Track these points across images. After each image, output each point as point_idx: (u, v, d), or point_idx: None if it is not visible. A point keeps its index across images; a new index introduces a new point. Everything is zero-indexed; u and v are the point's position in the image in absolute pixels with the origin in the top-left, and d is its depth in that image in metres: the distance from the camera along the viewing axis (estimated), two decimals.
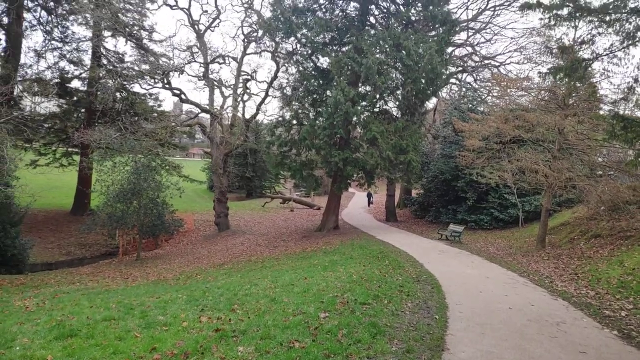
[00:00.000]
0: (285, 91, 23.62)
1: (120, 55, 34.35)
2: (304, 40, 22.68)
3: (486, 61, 33.44)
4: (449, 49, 32.75)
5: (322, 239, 22.64)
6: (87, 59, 33.68)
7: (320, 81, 23.79)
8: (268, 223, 32.89)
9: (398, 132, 22.50)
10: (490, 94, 30.20)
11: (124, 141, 21.68)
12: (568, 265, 12.49)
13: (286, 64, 25.28)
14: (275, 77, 26.43)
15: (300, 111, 23.79)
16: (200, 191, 53.37)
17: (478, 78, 34.65)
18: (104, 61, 33.72)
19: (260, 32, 25.55)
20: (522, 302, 8.42)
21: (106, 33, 31.19)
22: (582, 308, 8.07)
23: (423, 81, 21.77)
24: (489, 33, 32.96)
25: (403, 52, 21.21)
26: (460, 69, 36.03)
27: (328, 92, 22.80)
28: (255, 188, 54.12)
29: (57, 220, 33.32)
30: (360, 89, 23.42)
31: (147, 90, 30.77)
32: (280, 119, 24.65)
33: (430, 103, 44.29)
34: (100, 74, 31.95)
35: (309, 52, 23.42)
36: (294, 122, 24.25)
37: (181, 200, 43.83)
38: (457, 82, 38.10)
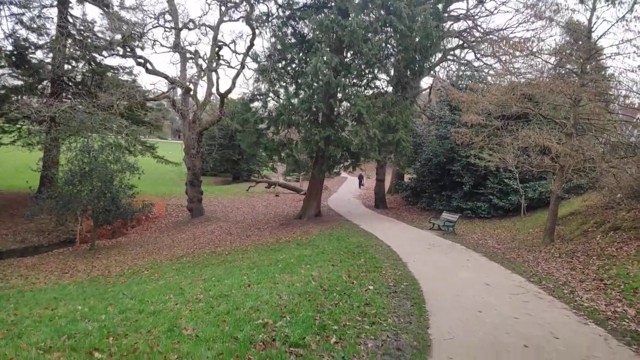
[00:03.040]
0: (259, 60, 20.78)
1: (89, 24, 31.29)
2: (280, 0, 19.82)
3: (488, 36, 30.44)
4: (447, 24, 30.04)
5: (301, 228, 20.13)
6: (52, 27, 30.70)
7: (300, 49, 20.99)
8: (247, 209, 30.34)
9: (387, 107, 19.85)
10: (493, 69, 27.41)
11: (72, 114, 18.85)
12: (587, 265, 9.98)
13: (262, 30, 22.47)
14: (251, 45, 23.57)
15: (277, 83, 20.99)
16: (183, 174, 50.61)
17: (479, 53, 31.69)
18: (73, 31, 30.68)
19: None
20: (540, 331, 5.87)
21: None
22: (629, 341, 5.53)
23: (415, 47, 18.99)
24: (492, 3, 30.06)
25: (393, 15, 18.40)
26: (459, 44, 33.19)
27: (307, 60, 20.02)
28: (241, 171, 51.39)
29: (20, 203, 30.62)
30: (346, 59, 20.65)
31: (120, 64, 27.93)
32: (255, 92, 21.84)
33: (426, 83, 41.62)
34: (66, 44, 28.94)
35: (287, 14, 20.54)
36: (271, 95, 21.51)
37: (158, 183, 41.32)
38: (455, 59, 35.21)
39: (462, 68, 33.69)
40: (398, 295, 7.38)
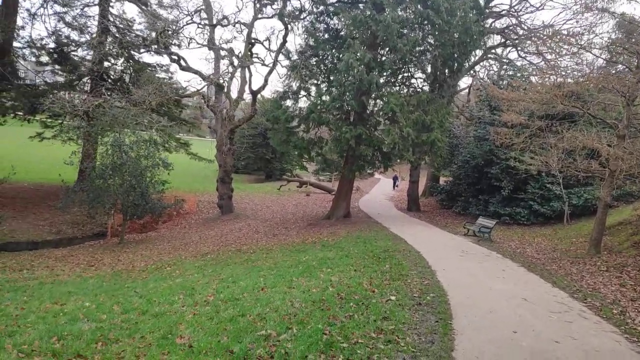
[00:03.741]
0: (291, 57, 20.36)
1: (129, 23, 31.88)
2: None
3: (532, 33, 28.77)
4: (489, 20, 28.68)
5: (328, 229, 19.57)
6: (93, 25, 31.47)
7: (333, 46, 20.40)
8: (277, 207, 30.02)
9: (421, 106, 18.97)
10: (537, 68, 25.89)
11: (107, 109, 19.00)
12: (639, 282, 8.95)
13: (294, 25, 22.02)
14: (284, 42, 23.13)
15: (308, 80, 20.50)
16: (217, 171, 51.10)
17: (523, 51, 30.10)
18: (113, 29, 31.33)
19: None
20: None
21: None
22: None
23: (454, 42, 18.04)
24: None
25: (430, 10, 17.52)
26: (501, 42, 31.70)
27: (340, 57, 19.43)
28: (274, 170, 51.37)
29: (58, 196, 31.60)
30: (381, 57, 19.93)
31: (157, 62, 28.25)
32: (287, 89, 21.44)
33: (465, 83, 40.13)
34: (106, 42, 29.54)
35: (320, 10, 20.01)
36: (302, 92, 21.05)
37: (194, 179, 41.77)
38: (497, 58, 33.69)
39: (504, 67, 32.20)
40: (422, 308, 6.68)
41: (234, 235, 20.77)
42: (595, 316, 6.95)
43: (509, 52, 34.53)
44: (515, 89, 14.54)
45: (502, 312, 6.89)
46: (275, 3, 24.64)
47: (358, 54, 17.43)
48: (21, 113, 28.94)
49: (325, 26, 20.89)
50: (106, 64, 31.38)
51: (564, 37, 12.88)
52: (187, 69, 24.81)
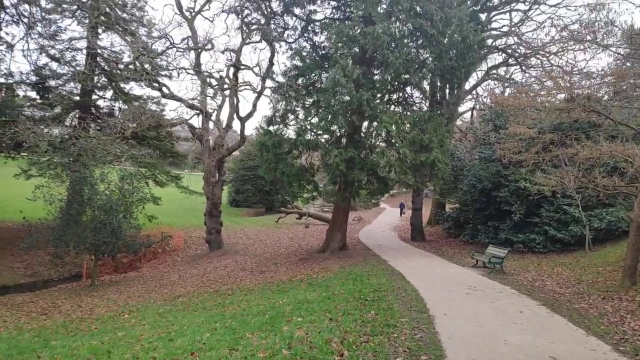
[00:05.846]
0: (275, 77, 18.94)
1: (118, 55, 30.99)
2: (298, 11, 18.01)
3: (534, 51, 27.24)
4: (489, 40, 27.28)
5: (321, 263, 17.54)
6: (81, 58, 30.63)
7: (321, 65, 18.92)
8: (272, 241, 28.02)
9: (419, 124, 17.25)
10: (542, 85, 24.20)
11: (76, 139, 17.43)
12: None
13: (280, 44, 20.67)
14: (270, 64, 21.75)
15: (295, 102, 18.93)
16: None
17: (527, 69, 28.58)
18: (101, 61, 30.40)
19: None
20: None
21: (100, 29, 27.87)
22: None
23: (451, 55, 16.46)
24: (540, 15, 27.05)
25: (423, 20, 16.06)
26: (503, 61, 30.33)
27: (325, 75, 17.93)
28: (274, 202, 49.47)
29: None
30: (372, 73, 18.40)
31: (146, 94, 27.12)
32: (274, 114, 19.85)
33: (467, 106, 38.61)
34: (93, 74, 28.53)
35: (303, 25, 18.66)
36: (290, 116, 19.46)
37: (188, 214, 39.99)
38: (499, 78, 32.22)
39: (507, 89, 30.68)
40: None
41: (217, 274, 18.78)
42: None
43: (513, 72, 33.12)
44: (522, 96, 12.75)
45: None
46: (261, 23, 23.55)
47: (346, 70, 15.87)
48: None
49: (312, 44, 19.50)
50: (94, 96, 30.49)
51: (573, 33, 11.16)
52: (170, 96, 23.47)
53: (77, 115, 30.35)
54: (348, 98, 16.37)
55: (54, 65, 28.85)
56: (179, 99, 23.36)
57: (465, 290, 10.51)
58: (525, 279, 12.81)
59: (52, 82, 29.08)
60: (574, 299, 9.79)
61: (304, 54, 18.91)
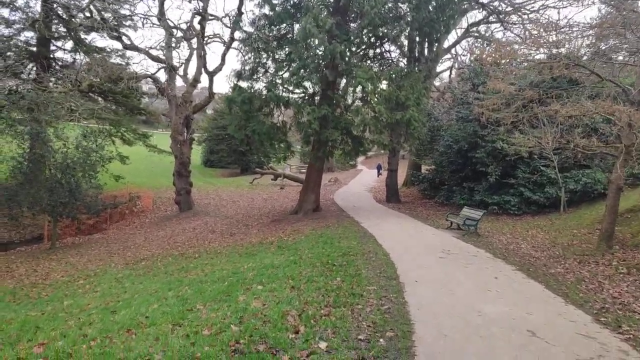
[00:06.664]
0: (244, 27, 17.62)
1: (76, 2, 28.68)
2: None
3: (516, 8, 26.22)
4: None
5: (293, 225, 16.99)
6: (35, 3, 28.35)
7: (293, 16, 17.64)
8: (245, 202, 27.29)
9: (395, 80, 16.41)
10: (524, 43, 23.40)
11: (25, 92, 16.02)
12: None
13: None
14: (239, 12, 20.29)
15: (265, 54, 17.74)
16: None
17: (508, 27, 27.62)
18: (58, 9, 28.09)
19: None
20: None
21: None
22: None
23: (430, 7, 15.47)
24: None
25: None
26: (483, 18, 29.24)
27: (298, 26, 16.72)
28: (250, 163, 48.28)
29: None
30: (347, 24, 17.26)
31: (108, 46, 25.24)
32: (243, 67, 18.64)
33: (444, 65, 37.68)
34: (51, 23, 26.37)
35: None
36: (260, 70, 18.31)
37: (160, 174, 38.71)
38: (480, 36, 31.20)
39: (488, 47, 29.75)
40: None
41: (185, 236, 18.06)
42: (637, 353, 4.46)
43: (494, 30, 32.11)
44: (503, 49, 11.94)
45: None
46: None
47: (319, 20, 14.75)
48: None
49: None
50: (52, 47, 28.45)
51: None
52: (131, 47, 21.84)
53: (33, 68, 28.40)
54: (321, 51, 15.35)
55: (5, 12, 26.67)
56: (141, 50, 21.76)
57: (438, 254, 10.05)
58: (499, 241, 12.49)
59: (5, 31, 26.90)
60: (550, 263, 9.45)
61: (274, 1, 17.57)
